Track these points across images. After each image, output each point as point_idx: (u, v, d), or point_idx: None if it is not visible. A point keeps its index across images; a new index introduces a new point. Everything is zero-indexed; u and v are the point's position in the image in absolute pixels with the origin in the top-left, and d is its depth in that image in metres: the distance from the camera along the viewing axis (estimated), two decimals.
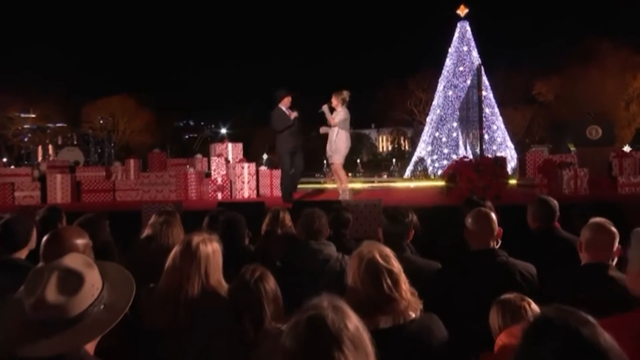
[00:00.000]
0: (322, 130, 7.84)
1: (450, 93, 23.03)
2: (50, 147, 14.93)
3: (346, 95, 7.67)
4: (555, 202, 3.42)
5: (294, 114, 7.75)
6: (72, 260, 1.58)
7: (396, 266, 2.02)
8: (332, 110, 7.68)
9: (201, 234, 2.38)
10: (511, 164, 19.09)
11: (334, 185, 8.25)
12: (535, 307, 1.96)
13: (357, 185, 14.64)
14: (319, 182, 19.69)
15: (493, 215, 2.74)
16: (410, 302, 1.98)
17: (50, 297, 1.48)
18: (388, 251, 2.07)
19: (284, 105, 7.84)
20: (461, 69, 23.00)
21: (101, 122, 16.17)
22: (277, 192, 9.59)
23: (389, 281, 1.96)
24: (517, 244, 2.93)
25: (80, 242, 2.39)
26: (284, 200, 7.73)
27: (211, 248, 2.30)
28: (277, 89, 8.05)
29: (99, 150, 14.92)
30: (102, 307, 1.57)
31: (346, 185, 7.95)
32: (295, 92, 7.99)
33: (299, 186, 10.59)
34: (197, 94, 70.40)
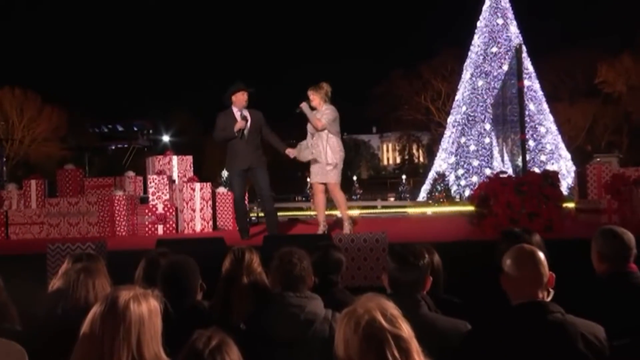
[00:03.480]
0: (292, 153, 7.86)
1: (480, 83, 23.34)
2: None
3: (327, 88, 7.72)
4: (629, 235, 3.45)
5: (240, 123, 7.69)
6: None
7: (406, 330, 2.02)
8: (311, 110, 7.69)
9: (132, 287, 2.36)
10: (567, 181, 19.31)
11: (316, 213, 8.24)
12: None
13: (353, 212, 14.68)
14: (301, 209, 19.72)
15: (542, 255, 2.76)
16: None
17: None
18: (394, 309, 2.06)
19: (238, 105, 7.82)
20: (494, 50, 23.36)
21: None
22: None
23: (396, 352, 1.95)
24: (578, 295, 2.94)
25: None
26: (241, 237, 7.76)
27: (146, 307, 2.28)
28: (230, 85, 8.01)
29: None
30: None
31: (346, 213, 7.97)
32: (250, 87, 7.97)
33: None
34: (127, 87, 70.37)
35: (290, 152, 7.88)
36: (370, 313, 2.01)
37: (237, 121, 7.70)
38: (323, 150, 7.58)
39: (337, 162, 7.62)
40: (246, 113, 7.81)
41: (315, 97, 7.64)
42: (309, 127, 7.73)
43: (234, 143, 7.75)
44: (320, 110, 7.63)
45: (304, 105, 7.58)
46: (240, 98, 7.82)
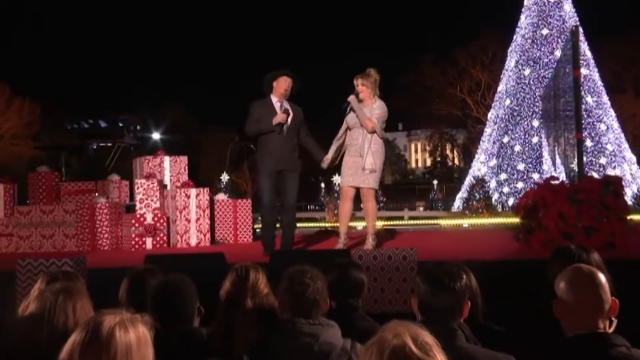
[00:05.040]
0: (327, 160, 7.86)
1: (527, 72, 23.25)
2: None
3: (376, 76, 7.67)
4: None
5: (281, 116, 7.70)
6: None
7: None
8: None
9: (119, 311, 2.37)
10: (632, 189, 19.17)
11: (335, 225, 8.22)
12: None
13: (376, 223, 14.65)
14: (315, 219, 19.72)
15: (603, 278, 2.74)
16: None
17: None
18: (428, 336, 2.06)
19: (278, 93, 7.84)
20: (545, 32, 23.26)
21: None
22: (246, 237, 9.61)
23: None
24: None
25: None
26: (264, 253, 7.66)
27: (134, 335, 2.28)
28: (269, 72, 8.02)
29: None
30: None
31: (373, 226, 7.91)
32: (294, 74, 7.97)
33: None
34: (111, 77, 70.72)
35: (326, 159, 7.90)
36: (400, 340, 2.00)
37: (277, 113, 7.72)
38: (363, 152, 7.54)
39: (378, 167, 7.61)
40: (287, 105, 7.85)
41: (364, 88, 7.56)
42: (350, 119, 7.64)
43: (269, 138, 7.75)
44: (370, 105, 7.58)
45: (352, 99, 7.53)
46: (282, 84, 7.84)
